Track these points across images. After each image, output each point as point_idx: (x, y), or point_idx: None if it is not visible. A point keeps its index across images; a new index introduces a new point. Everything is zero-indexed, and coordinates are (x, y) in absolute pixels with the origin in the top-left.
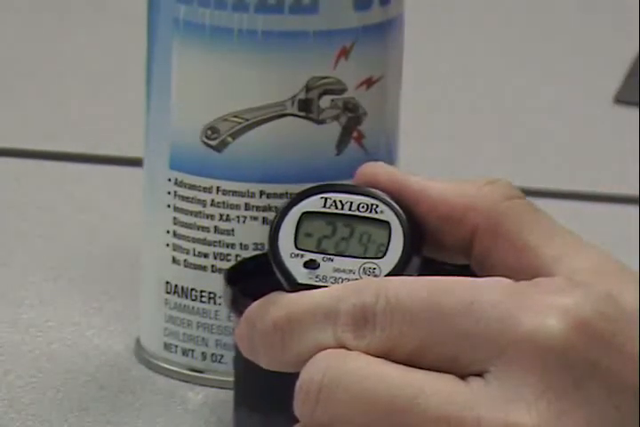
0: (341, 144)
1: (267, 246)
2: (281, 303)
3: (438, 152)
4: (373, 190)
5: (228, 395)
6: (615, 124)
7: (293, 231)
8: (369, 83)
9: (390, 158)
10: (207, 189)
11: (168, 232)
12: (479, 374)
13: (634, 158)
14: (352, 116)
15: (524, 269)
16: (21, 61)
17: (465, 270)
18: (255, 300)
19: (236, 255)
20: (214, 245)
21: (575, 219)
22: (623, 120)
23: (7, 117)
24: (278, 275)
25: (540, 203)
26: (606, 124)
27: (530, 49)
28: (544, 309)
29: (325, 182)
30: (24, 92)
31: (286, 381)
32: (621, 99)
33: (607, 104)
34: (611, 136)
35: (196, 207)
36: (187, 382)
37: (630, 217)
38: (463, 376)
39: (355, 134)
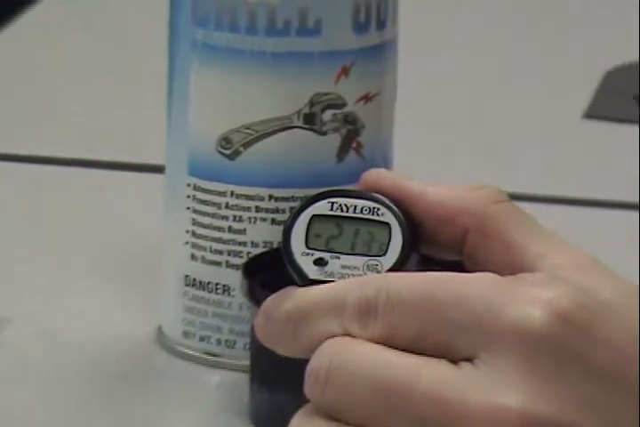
0: (342, 153)
1: (281, 246)
2: (293, 297)
3: (429, 160)
4: (375, 195)
5: (241, 377)
6: (585, 137)
7: (304, 232)
8: (367, 98)
9: (386, 165)
10: (222, 194)
11: (187, 232)
12: (470, 360)
13: (603, 166)
14: (351, 129)
15: (509, 265)
16: (59, 76)
17: (457, 266)
18: (268, 291)
19: (248, 252)
20: (228, 244)
21: (551, 220)
22: (593, 134)
23: (44, 128)
24: (291, 271)
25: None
26: (577, 138)
27: (509, 69)
28: (528, 300)
29: (332, 188)
30: (61, 104)
31: (297, 364)
32: (591, 114)
33: (577, 119)
34: (582, 148)
35: (212, 209)
36: (204, 365)
37: (603, 220)
38: (455, 361)
39: (354, 144)
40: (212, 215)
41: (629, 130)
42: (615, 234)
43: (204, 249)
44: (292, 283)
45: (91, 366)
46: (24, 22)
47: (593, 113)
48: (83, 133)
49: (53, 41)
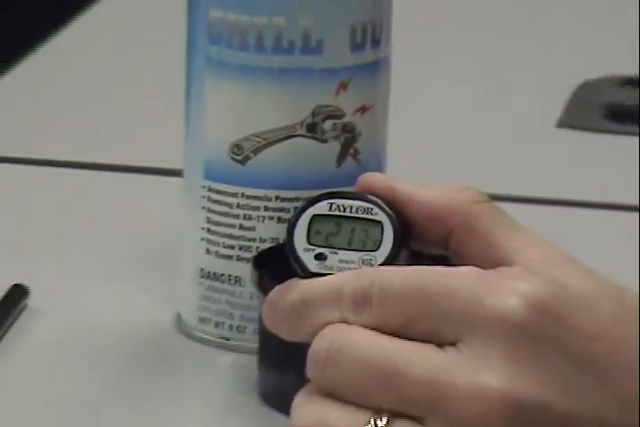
0: (340, 159)
1: (285, 242)
2: (297, 288)
3: (419, 164)
4: (369, 196)
5: (251, 359)
6: (558, 144)
7: (306, 230)
8: (363, 110)
9: (380, 169)
10: (233, 195)
11: (202, 229)
12: (454, 345)
13: (575, 170)
14: (349, 137)
15: (490, 260)
16: (93, 90)
17: (443, 260)
18: (274, 281)
19: (257, 247)
20: (239, 239)
21: (526, 218)
22: (565, 141)
23: (81, 137)
24: (294, 265)
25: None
26: (551, 144)
27: (492, 81)
28: (507, 292)
29: (330, 190)
30: (97, 115)
31: (300, 348)
32: (563, 124)
33: (552, 128)
34: (555, 153)
35: (225, 209)
36: (217, 348)
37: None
38: (441, 346)
39: (351, 151)
40: (225, 214)
41: (597, 137)
42: (586, 232)
43: (218, 244)
44: (295, 275)
45: (117, 349)
46: (64, 35)
47: (565, 122)
48: (113, 142)
49: (87, 55)
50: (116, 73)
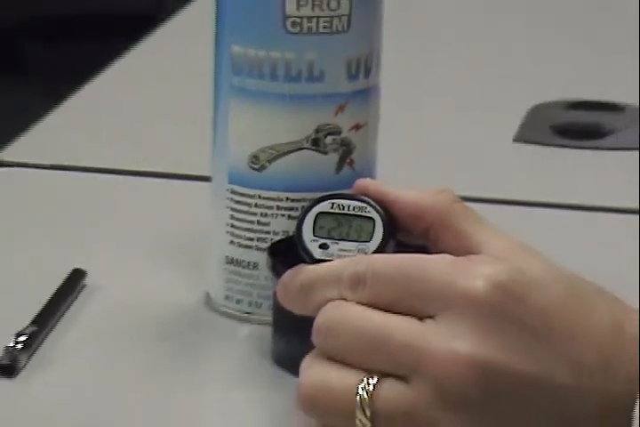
0: (339, 167)
1: (295, 235)
2: (304, 272)
3: (403, 171)
4: (363, 197)
5: (266, 329)
6: (515, 156)
7: (312, 225)
8: (357, 127)
9: (372, 176)
10: (252, 196)
11: (227, 224)
12: (432, 318)
13: (529, 174)
14: (346, 149)
15: (461, 249)
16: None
17: (423, 249)
18: (286, 267)
19: (271, 239)
20: (257, 232)
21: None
22: (520, 153)
23: (135, 149)
24: (302, 253)
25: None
26: (508, 156)
27: (459, 104)
28: (474, 275)
29: (331, 193)
30: (149, 130)
31: (307, 320)
32: (518, 139)
33: (509, 142)
34: (512, 163)
35: (245, 208)
36: (239, 320)
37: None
38: (421, 319)
39: (348, 161)
40: (245, 212)
41: (546, 150)
42: (531, 227)
43: (239, 237)
44: (303, 261)
45: (157, 321)
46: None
47: (520, 138)
48: (157, 153)
49: (143, 81)
50: (162, 97)
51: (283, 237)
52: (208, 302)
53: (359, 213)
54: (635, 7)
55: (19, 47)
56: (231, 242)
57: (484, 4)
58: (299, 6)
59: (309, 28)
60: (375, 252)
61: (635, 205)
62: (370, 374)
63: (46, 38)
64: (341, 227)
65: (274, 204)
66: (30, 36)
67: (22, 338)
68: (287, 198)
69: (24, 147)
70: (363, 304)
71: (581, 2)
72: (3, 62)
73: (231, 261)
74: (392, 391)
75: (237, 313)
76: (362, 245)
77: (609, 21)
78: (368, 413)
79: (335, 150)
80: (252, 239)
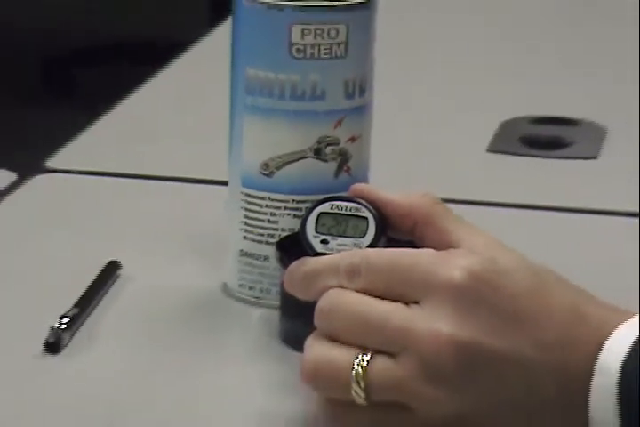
0: (337, 173)
1: (299, 231)
2: (307, 263)
3: (392, 176)
4: (358, 199)
5: (274, 312)
6: (488, 164)
7: (314, 223)
8: (353, 139)
9: (365, 181)
10: (262, 198)
11: (241, 222)
12: (418, 303)
13: (499, 181)
14: (343, 158)
15: (442, 244)
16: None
17: (410, 244)
18: (292, 259)
19: (279, 235)
20: (266, 229)
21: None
22: (493, 162)
23: (161, 155)
24: (305, 247)
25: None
26: (482, 164)
27: (440, 119)
28: (453, 266)
29: (331, 195)
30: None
31: (310, 305)
32: (491, 150)
33: (483, 152)
34: (486, 170)
35: (256, 208)
36: (251, 305)
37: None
38: (408, 304)
39: (345, 168)
40: (257, 212)
41: (515, 159)
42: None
43: (252, 233)
44: (306, 254)
45: (182, 305)
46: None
47: (493, 148)
48: (181, 161)
49: (174, 97)
50: (187, 113)
51: (289, 233)
52: (225, 289)
53: (355, 213)
54: (587, 32)
55: (67, 71)
56: (245, 237)
57: (459, 25)
58: (303, 35)
59: (312, 54)
60: (369, 246)
61: (592, 206)
62: (364, 351)
63: (90, 64)
64: (339, 225)
65: (281, 205)
66: (77, 62)
67: (65, 320)
68: (293, 200)
69: (67, 155)
70: (358, 291)
71: (547, 28)
72: (54, 83)
73: (245, 254)
74: (383, 366)
75: (250, 298)
76: (357, 241)
77: (569, 46)
78: (362, 385)
79: (334, 159)
80: (262, 235)
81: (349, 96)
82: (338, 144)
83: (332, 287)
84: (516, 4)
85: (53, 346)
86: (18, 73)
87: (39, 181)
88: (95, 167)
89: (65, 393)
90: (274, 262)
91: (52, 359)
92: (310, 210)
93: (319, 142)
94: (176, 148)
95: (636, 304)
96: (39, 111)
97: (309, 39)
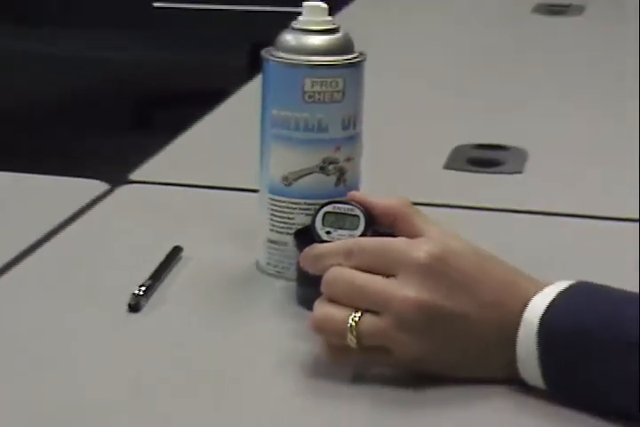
0: (337, 184)
1: (310, 225)
2: (316, 248)
3: (376, 186)
4: (353, 202)
5: (292, 283)
6: (444, 178)
7: (321, 219)
8: (348, 160)
9: (357, 189)
10: (283, 202)
11: (268, 219)
12: (394, 276)
13: (451, 189)
14: (341, 173)
15: (411, 234)
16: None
17: (391, 235)
18: (305, 244)
19: (295, 228)
20: (286, 224)
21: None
22: (448, 177)
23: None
24: (314, 236)
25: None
26: (439, 178)
27: (409, 145)
28: (419, 249)
29: (333, 199)
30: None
31: (318, 277)
32: (447, 167)
33: (440, 169)
34: (442, 182)
35: (279, 209)
36: (276, 277)
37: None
38: (388, 276)
39: (342, 180)
40: (279, 211)
41: (464, 174)
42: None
43: (276, 226)
44: (315, 241)
45: (226, 280)
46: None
47: (448, 166)
48: (227, 174)
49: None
50: (233, 140)
51: (302, 226)
52: (257, 266)
53: (350, 213)
54: (512, 81)
55: (147, 110)
56: (271, 229)
57: (423, 60)
58: (312, 85)
59: (319, 99)
60: (360, 236)
61: (519, 208)
62: (356, 310)
63: (163, 105)
64: (339, 221)
65: (297, 206)
66: (153, 103)
67: (143, 288)
68: (305, 203)
69: (146, 170)
70: (352, 268)
71: (482, 76)
72: (139, 118)
73: (271, 241)
74: (369, 321)
75: (274, 273)
76: (352, 232)
77: (501, 89)
78: (355, 334)
79: (334, 173)
80: (283, 228)
81: (345, 128)
82: (337, 163)
83: (333, 265)
84: (466, 50)
85: (134, 307)
86: (111, 110)
87: (124, 190)
88: (168, 179)
89: (144, 340)
90: (292, 247)
91: (134, 316)
92: (318, 210)
93: (324, 162)
94: (226, 165)
95: None
96: (126, 136)
97: (317, 88)
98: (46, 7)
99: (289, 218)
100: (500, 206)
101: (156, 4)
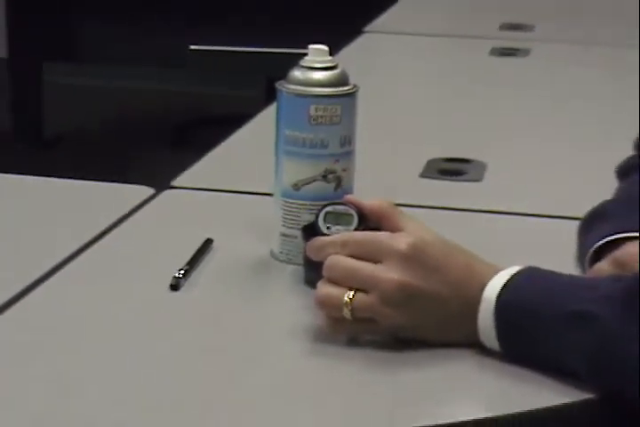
0: (336, 189)
1: (314, 222)
2: (319, 240)
3: (366, 191)
4: (348, 204)
5: (300, 267)
6: (421, 186)
7: (323, 217)
8: (345, 170)
9: (352, 193)
10: (293, 203)
11: (282, 217)
12: (381, 262)
13: (428, 194)
14: (339, 181)
15: (394, 229)
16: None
17: (377, 230)
18: (310, 237)
19: (303, 224)
20: (295, 221)
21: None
22: (425, 184)
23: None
24: (318, 231)
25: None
26: (417, 186)
27: (389, 158)
28: (401, 241)
29: (332, 201)
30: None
31: (320, 263)
32: (423, 175)
33: (416, 177)
34: (421, 188)
35: (289, 209)
36: (287, 263)
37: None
38: (376, 263)
39: (340, 186)
40: (290, 211)
41: (438, 182)
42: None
43: (287, 223)
44: (318, 235)
45: (248, 265)
46: None
47: (423, 175)
48: (257, 180)
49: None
50: (249, 156)
51: (308, 223)
52: (272, 254)
53: (345, 212)
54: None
55: (186, 131)
56: (283, 225)
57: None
58: (316, 111)
59: (321, 122)
60: (354, 230)
61: (480, 208)
62: (350, 290)
63: (196, 127)
64: (337, 219)
65: (304, 207)
66: (189, 126)
67: (182, 271)
68: (310, 204)
69: (185, 178)
70: (347, 256)
71: (458, 98)
72: (177, 139)
73: (283, 235)
74: (361, 298)
75: (286, 260)
76: (347, 228)
77: (469, 107)
78: (349, 308)
79: (334, 181)
80: (293, 224)
81: (343, 145)
82: (336, 173)
83: (332, 253)
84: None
85: (175, 287)
86: (157, 131)
87: (167, 194)
88: (203, 185)
89: (183, 315)
90: (300, 240)
91: (175, 294)
92: (320, 210)
93: (325, 172)
94: (248, 174)
95: None
96: (168, 152)
97: (320, 113)
98: (102, 48)
99: (298, 216)
100: (463, 207)
101: (192, 47)
